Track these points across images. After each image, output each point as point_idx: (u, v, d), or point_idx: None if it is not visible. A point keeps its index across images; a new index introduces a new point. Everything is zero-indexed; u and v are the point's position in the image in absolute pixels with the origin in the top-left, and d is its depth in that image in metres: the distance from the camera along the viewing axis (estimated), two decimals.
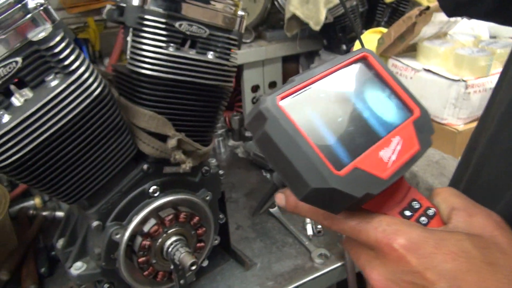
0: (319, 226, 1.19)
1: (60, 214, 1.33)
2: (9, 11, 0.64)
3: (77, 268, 0.83)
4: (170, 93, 0.81)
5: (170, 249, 0.85)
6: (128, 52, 0.82)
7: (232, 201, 1.36)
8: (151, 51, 0.78)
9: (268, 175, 1.50)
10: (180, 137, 0.82)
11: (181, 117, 0.84)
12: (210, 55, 0.85)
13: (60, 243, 0.91)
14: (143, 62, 0.78)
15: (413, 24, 1.31)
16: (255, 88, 1.74)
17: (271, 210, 1.28)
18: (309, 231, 1.19)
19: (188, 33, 0.81)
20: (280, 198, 0.51)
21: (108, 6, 0.85)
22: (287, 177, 0.41)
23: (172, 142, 0.81)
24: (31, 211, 1.38)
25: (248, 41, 1.69)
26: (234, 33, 0.89)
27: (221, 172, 0.99)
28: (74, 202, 0.77)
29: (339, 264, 1.08)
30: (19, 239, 1.19)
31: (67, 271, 0.84)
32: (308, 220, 1.22)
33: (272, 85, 1.76)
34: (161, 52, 0.78)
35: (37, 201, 1.41)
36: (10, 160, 0.66)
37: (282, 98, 0.42)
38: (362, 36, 1.60)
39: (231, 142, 1.77)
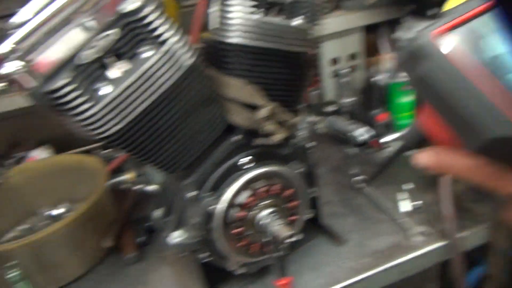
0: (417, 203, 1.11)
1: (150, 188, 1.38)
2: None
3: (175, 237, 0.85)
4: (259, 61, 0.79)
5: (264, 221, 0.84)
6: (214, 22, 0.80)
7: (316, 176, 1.32)
8: (239, 18, 0.75)
9: (352, 150, 1.44)
10: (272, 107, 0.79)
11: (271, 86, 0.81)
12: (297, 21, 0.81)
13: (157, 213, 0.94)
14: (231, 30, 0.76)
15: None
16: (334, 61, 1.66)
17: (360, 185, 1.22)
18: (404, 208, 1.12)
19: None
20: (424, 156, 0.43)
21: None
22: (456, 124, 0.36)
23: (263, 112, 0.79)
24: (124, 185, 1.46)
25: (325, 11, 1.62)
26: None
27: (311, 144, 0.95)
28: (172, 172, 0.78)
29: (441, 243, 1.00)
30: (117, 210, 1.26)
31: (165, 241, 0.87)
32: (401, 196, 1.15)
33: (353, 57, 1.68)
34: (249, 19, 0.76)
35: (130, 175, 1.48)
36: (113, 131, 0.68)
37: (443, 33, 0.35)
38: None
39: (310, 118, 1.72)
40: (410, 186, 1.18)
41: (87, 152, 1.51)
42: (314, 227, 1.08)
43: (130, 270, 1.08)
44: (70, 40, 0.66)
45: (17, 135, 1.82)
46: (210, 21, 0.82)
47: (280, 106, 0.82)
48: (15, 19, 0.66)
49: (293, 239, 0.90)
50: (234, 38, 0.76)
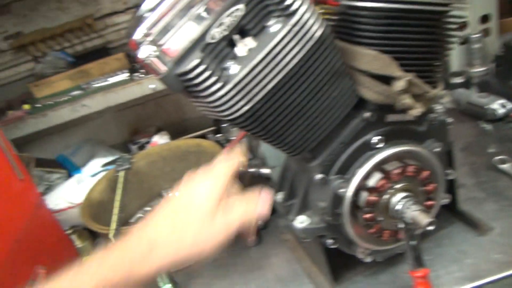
0: None
1: (265, 170, 1.37)
2: None
3: (301, 221, 0.81)
4: (394, 26, 0.70)
5: (399, 206, 0.76)
6: None
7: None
8: None
9: (488, 126, 1.26)
10: (410, 78, 0.70)
11: (408, 54, 0.72)
12: None
13: (279, 196, 0.91)
14: None
15: None
16: (462, 26, 1.47)
17: (501, 166, 1.06)
18: None
19: None
20: None
21: None
22: None
23: (400, 84, 0.70)
24: (239, 168, 1.48)
25: None
26: None
27: (449, 120, 0.84)
28: (299, 153, 0.74)
29: None
30: None
31: (289, 225, 0.84)
32: None
33: (484, 20, 1.46)
34: None
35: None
36: (242, 111, 0.65)
37: None
38: None
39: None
40: None
41: (202, 137, 1.55)
42: (450, 214, 0.97)
43: (250, 252, 1.08)
44: (199, 20, 0.64)
45: (138, 122, 1.96)
46: None
47: (418, 77, 0.72)
48: (145, 5, 0.66)
49: (431, 227, 0.81)
50: (365, 1, 0.67)
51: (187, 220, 0.60)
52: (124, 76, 1.48)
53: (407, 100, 0.72)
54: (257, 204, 0.64)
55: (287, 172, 0.91)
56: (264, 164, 1.41)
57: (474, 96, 1.33)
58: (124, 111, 1.88)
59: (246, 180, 1.34)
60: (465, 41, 1.46)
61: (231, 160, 0.67)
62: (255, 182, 1.38)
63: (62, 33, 1.68)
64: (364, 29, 0.70)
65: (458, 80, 1.46)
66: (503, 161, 1.07)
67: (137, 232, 0.60)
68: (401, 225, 0.77)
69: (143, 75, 1.49)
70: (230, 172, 0.66)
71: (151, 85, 1.45)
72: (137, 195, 1.33)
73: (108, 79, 1.51)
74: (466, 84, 1.46)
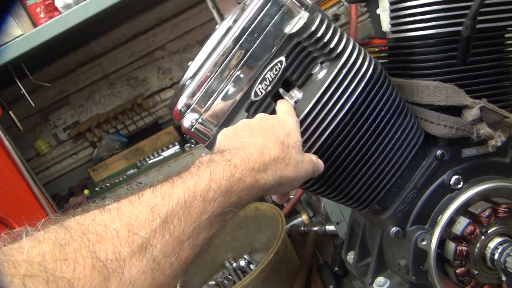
0: None
1: (330, 227, 1.28)
2: (263, 12, 0.59)
3: (381, 284, 0.71)
4: (454, 51, 0.63)
5: (497, 255, 0.64)
6: (386, 22, 0.68)
7: None
8: (420, 5, 0.61)
9: None
10: (483, 104, 0.61)
11: (475, 79, 0.64)
12: None
13: (350, 256, 0.81)
14: (412, 22, 0.63)
15: None
16: None
17: None
18: None
19: None
20: None
21: None
22: None
23: (472, 113, 0.61)
24: (301, 228, 1.39)
25: None
26: None
27: None
28: (367, 206, 0.66)
29: None
30: (299, 256, 1.18)
31: None
32: None
33: None
34: (431, 3, 0.61)
35: (304, 217, 1.41)
36: None
37: None
38: None
39: None
40: None
41: (260, 199, 1.49)
42: None
43: None
44: (239, 80, 0.61)
45: None
46: (379, 25, 0.70)
47: (492, 102, 0.63)
48: (187, 74, 0.65)
49: None
50: (420, 30, 0.62)
51: (288, 139, 0.52)
52: (176, 148, 1.49)
53: (483, 129, 0.63)
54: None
55: (355, 228, 0.82)
56: (328, 221, 1.32)
57: None
58: None
59: (312, 239, 1.25)
60: None
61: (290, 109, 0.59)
62: (321, 240, 1.29)
63: (115, 116, 1.75)
64: (420, 60, 0.64)
65: None
66: None
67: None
68: (504, 278, 0.64)
69: (193, 145, 1.50)
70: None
71: (203, 153, 1.44)
72: (199, 269, 1.27)
73: (162, 153, 1.53)
74: None
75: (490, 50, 0.64)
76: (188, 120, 0.61)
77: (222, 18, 1.11)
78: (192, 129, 0.61)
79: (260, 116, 0.57)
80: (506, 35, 0.67)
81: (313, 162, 0.54)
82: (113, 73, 1.85)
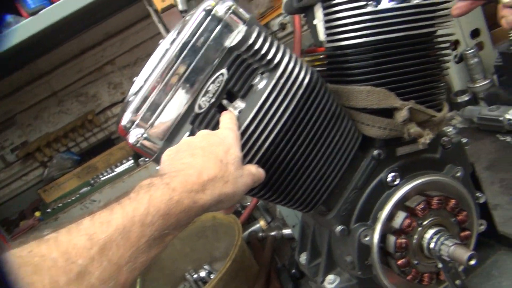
0: None
1: (287, 231, 1.31)
2: (202, 27, 0.61)
3: (331, 282, 0.75)
4: (383, 57, 0.68)
5: (432, 244, 0.69)
6: (322, 32, 0.72)
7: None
8: (350, 16, 0.66)
9: (508, 138, 1.20)
10: (411, 106, 0.66)
11: (404, 82, 0.69)
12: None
13: (303, 258, 0.84)
14: (344, 32, 0.67)
15: None
16: (454, 45, 1.45)
17: None
18: None
19: None
20: None
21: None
22: None
23: (402, 114, 0.66)
24: (259, 234, 1.41)
25: None
26: None
27: (464, 140, 0.79)
28: (312, 208, 0.69)
29: None
30: (257, 262, 1.20)
31: (320, 287, 0.77)
32: None
33: (475, 34, 1.45)
34: (360, 14, 0.66)
35: (262, 223, 1.43)
36: None
37: None
38: None
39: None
40: None
41: None
42: (490, 240, 0.88)
43: None
44: (182, 94, 0.63)
45: None
46: (316, 35, 0.74)
47: (420, 102, 0.69)
48: (132, 89, 0.66)
49: (474, 260, 0.73)
50: (351, 39, 0.66)
51: (227, 156, 0.54)
52: (130, 163, 1.48)
53: (413, 129, 0.68)
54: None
55: (306, 230, 0.85)
56: (284, 225, 1.35)
57: (485, 110, 1.28)
58: None
59: (269, 244, 1.28)
60: (461, 58, 1.44)
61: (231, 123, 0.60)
62: (279, 244, 1.32)
63: (65, 133, 1.71)
64: (353, 67, 0.68)
65: (464, 98, 1.42)
66: None
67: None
68: (440, 265, 0.69)
69: (147, 159, 1.49)
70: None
71: (157, 167, 1.43)
72: (160, 284, 1.26)
73: (115, 169, 1.51)
74: (473, 101, 1.42)
75: (417, 55, 0.69)
76: (133, 135, 0.62)
77: (168, 31, 1.12)
78: (138, 145, 0.62)
79: (201, 133, 0.59)
80: (433, 40, 0.72)
81: (252, 174, 0.56)
82: (62, 90, 1.81)
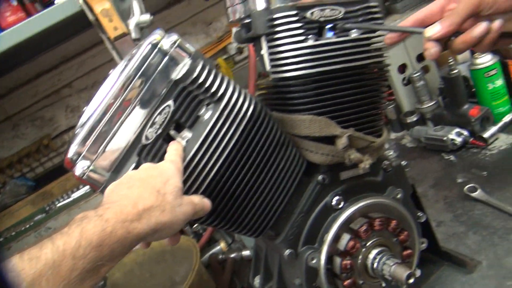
0: None
1: (246, 253, 1.32)
2: (149, 60, 0.63)
3: None
4: (324, 88, 0.71)
5: (376, 264, 0.73)
6: (267, 62, 0.75)
7: (420, 197, 1.17)
8: (291, 50, 0.69)
9: (451, 157, 1.27)
10: (350, 133, 0.70)
11: (343, 111, 0.73)
12: (354, 33, 0.73)
13: (256, 281, 0.86)
14: (286, 64, 0.70)
15: None
16: (402, 68, 1.54)
17: (473, 194, 1.05)
18: None
19: (322, 19, 0.72)
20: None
21: (234, 29, 0.81)
22: None
23: (342, 141, 0.70)
24: (220, 256, 1.41)
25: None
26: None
27: (404, 162, 0.84)
28: (260, 234, 0.71)
29: None
30: (217, 284, 1.20)
31: None
32: None
33: (421, 58, 1.54)
34: (301, 47, 0.69)
35: (222, 245, 1.44)
36: None
37: None
38: None
39: (393, 135, 1.58)
40: None
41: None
42: (434, 257, 0.93)
43: None
44: (129, 125, 0.64)
45: None
46: (264, 64, 0.77)
47: (359, 130, 0.73)
48: (80, 120, 0.67)
49: (415, 276, 0.77)
50: (292, 71, 0.70)
51: (165, 186, 0.56)
52: (86, 188, 1.46)
53: (353, 155, 0.71)
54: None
55: (259, 253, 0.87)
56: (244, 246, 1.36)
57: (431, 130, 1.36)
58: None
59: (229, 266, 1.29)
60: (409, 81, 1.52)
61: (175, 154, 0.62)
62: (239, 266, 1.33)
63: (20, 159, 1.67)
64: (296, 97, 0.72)
65: (412, 118, 1.49)
66: (473, 189, 1.06)
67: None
68: (384, 284, 0.73)
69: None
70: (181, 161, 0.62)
71: None
72: None
73: (71, 195, 1.48)
74: (422, 121, 1.49)
75: (356, 85, 0.74)
76: (80, 168, 0.62)
77: (121, 58, 1.13)
78: (84, 177, 0.63)
79: (143, 166, 0.60)
80: (370, 71, 0.77)
81: (193, 203, 0.58)
82: (17, 114, 1.77)
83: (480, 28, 0.61)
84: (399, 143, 1.52)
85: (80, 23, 1.01)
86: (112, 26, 0.93)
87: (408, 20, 0.69)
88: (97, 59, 1.73)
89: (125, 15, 1.02)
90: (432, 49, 0.64)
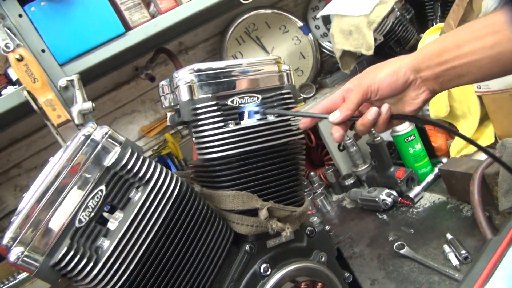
0: (464, 252, 1.02)
1: None
2: (83, 149, 0.70)
3: None
4: (245, 166, 0.80)
5: None
6: (195, 145, 0.84)
7: (357, 256, 1.24)
8: (213, 135, 0.79)
9: (384, 216, 1.37)
10: (269, 205, 0.78)
11: (264, 185, 0.81)
12: (271, 117, 0.84)
13: None
14: (209, 147, 0.79)
15: (470, 2, 1.20)
16: None
17: (401, 251, 1.14)
18: (454, 261, 1.02)
19: (242, 105, 0.82)
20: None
21: (169, 114, 0.90)
22: None
23: (263, 213, 0.78)
24: None
25: (311, 95, 1.68)
26: (285, 87, 0.88)
27: (327, 227, 0.92)
28: None
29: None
30: None
31: None
32: (447, 249, 1.06)
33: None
34: (222, 132, 0.79)
35: None
36: (119, 284, 0.67)
37: None
38: (421, 40, 1.50)
39: (334, 197, 1.68)
40: (453, 235, 1.09)
41: None
42: None
43: None
44: (63, 210, 0.69)
45: None
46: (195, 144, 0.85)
47: (280, 201, 0.81)
48: (19, 207, 0.71)
49: None
50: (214, 154, 0.78)
51: None
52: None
53: (275, 224, 0.79)
54: None
55: None
56: None
57: (365, 192, 1.46)
58: None
59: None
60: (344, 147, 1.65)
61: None
62: None
63: None
64: (219, 176, 0.80)
65: (350, 181, 1.61)
66: (401, 247, 1.15)
67: None
68: None
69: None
70: None
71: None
72: None
73: (18, 276, 1.44)
74: (358, 183, 1.61)
75: (274, 161, 0.83)
76: (14, 254, 0.66)
77: (65, 142, 1.19)
78: (18, 262, 0.66)
79: None
80: (288, 148, 0.87)
81: None
82: None
83: (371, 111, 0.74)
84: (340, 204, 1.62)
85: (27, 109, 1.07)
86: (55, 114, 1.00)
87: (317, 107, 0.80)
88: (48, 138, 1.77)
89: (68, 102, 1.10)
90: (336, 134, 0.75)
